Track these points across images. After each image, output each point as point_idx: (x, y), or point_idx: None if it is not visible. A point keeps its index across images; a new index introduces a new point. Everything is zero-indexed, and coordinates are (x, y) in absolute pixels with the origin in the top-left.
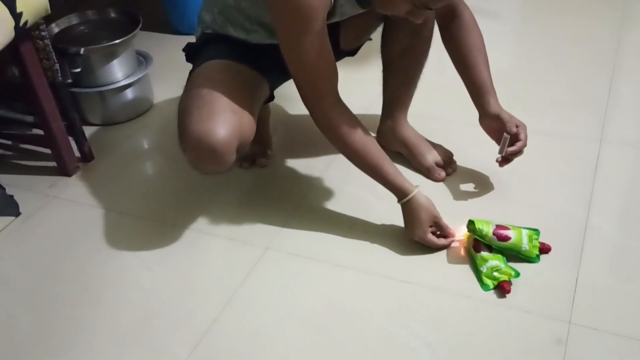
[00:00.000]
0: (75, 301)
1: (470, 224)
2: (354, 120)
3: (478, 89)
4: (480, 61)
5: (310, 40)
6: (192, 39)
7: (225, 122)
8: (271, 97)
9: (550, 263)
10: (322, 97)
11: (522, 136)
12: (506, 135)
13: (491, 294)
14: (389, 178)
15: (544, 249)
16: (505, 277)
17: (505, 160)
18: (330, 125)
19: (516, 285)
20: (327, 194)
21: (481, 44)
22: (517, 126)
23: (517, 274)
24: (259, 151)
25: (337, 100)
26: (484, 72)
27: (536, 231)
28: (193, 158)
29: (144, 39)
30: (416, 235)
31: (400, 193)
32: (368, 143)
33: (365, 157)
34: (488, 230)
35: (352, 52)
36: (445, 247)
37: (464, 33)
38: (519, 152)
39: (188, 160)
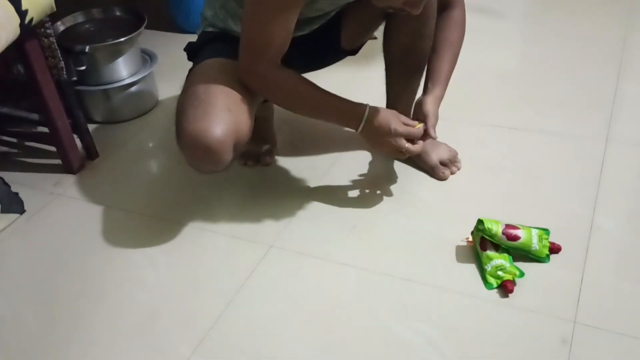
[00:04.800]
0: (79, 298)
1: (480, 223)
2: (293, 72)
3: (431, 75)
4: (446, 55)
5: (275, 6)
6: (194, 38)
7: (220, 120)
8: None
9: (555, 263)
10: (262, 61)
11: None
12: (421, 128)
13: (496, 294)
14: (342, 105)
15: (554, 249)
16: (509, 277)
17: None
18: (268, 79)
19: (521, 284)
20: (331, 192)
21: (457, 41)
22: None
23: (522, 274)
24: (263, 150)
25: (279, 64)
26: (444, 65)
27: (546, 231)
28: (189, 157)
29: (149, 38)
30: (399, 128)
31: (358, 112)
32: (306, 85)
33: (310, 98)
34: (497, 229)
35: (354, 52)
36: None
37: (446, 27)
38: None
39: (185, 160)
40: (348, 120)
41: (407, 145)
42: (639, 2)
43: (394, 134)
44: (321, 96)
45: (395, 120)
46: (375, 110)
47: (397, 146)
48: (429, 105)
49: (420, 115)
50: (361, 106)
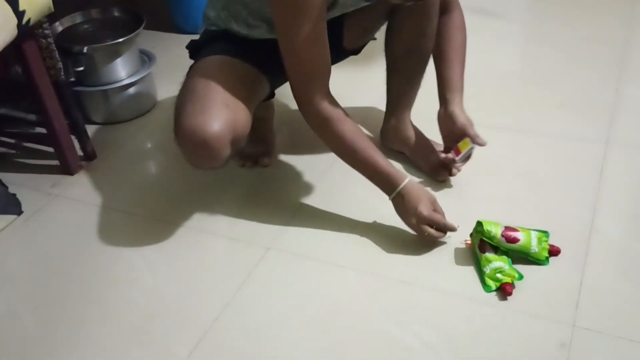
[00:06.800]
0: (77, 300)
1: (479, 225)
2: (344, 114)
3: (446, 84)
4: (457, 60)
5: (306, 28)
6: (196, 37)
7: (218, 116)
8: (271, 95)
9: (555, 265)
10: (313, 87)
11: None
12: (473, 145)
13: (494, 296)
14: (381, 169)
15: (554, 252)
16: (508, 279)
17: (443, 169)
18: (319, 116)
19: (520, 287)
20: (330, 194)
21: (463, 44)
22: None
23: (521, 277)
24: (262, 151)
25: (328, 93)
26: (456, 71)
27: (545, 233)
28: (187, 152)
29: (148, 38)
30: (424, 211)
31: (395, 181)
32: (358, 134)
33: (355, 148)
34: (497, 231)
35: (356, 51)
36: (449, 228)
37: (449, 30)
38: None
39: (183, 156)
40: (383, 185)
41: (429, 230)
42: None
43: (418, 216)
44: (368, 152)
45: (424, 204)
46: (411, 186)
47: (418, 229)
48: (461, 116)
49: (455, 129)
50: (400, 178)
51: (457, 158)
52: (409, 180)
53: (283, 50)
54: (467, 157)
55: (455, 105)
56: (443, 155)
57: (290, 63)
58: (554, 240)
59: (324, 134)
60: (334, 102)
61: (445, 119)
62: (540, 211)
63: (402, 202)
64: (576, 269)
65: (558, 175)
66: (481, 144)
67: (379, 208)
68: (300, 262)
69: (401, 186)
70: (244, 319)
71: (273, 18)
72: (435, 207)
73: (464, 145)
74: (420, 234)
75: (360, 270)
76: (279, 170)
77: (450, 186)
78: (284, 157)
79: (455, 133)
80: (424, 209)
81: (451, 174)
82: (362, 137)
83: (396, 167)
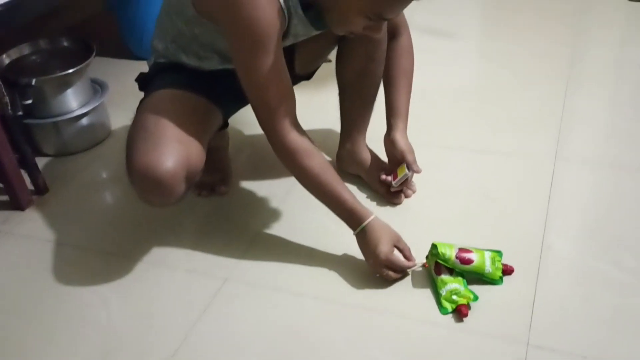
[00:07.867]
0: (30, 340)
1: (434, 248)
2: (312, 146)
3: (391, 110)
4: (402, 85)
5: (265, 60)
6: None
7: (171, 153)
8: (225, 124)
9: (508, 285)
10: (279, 119)
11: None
12: (408, 173)
13: (451, 318)
14: (347, 204)
15: (507, 271)
16: (463, 301)
17: (398, 192)
18: (287, 149)
19: (475, 308)
20: (287, 221)
21: (410, 69)
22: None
23: (476, 298)
24: (218, 179)
25: (295, 123)
26: (402, 97)
27: (499, 253)
28: (140, 191)
29: (100, 65)
30: (381, 254)
31: (359, 218)
32: (325, 169)
33: (323, 182)
34: (451, 254)
35: (308, 76)
36: (408, 268)
37: (397, 55)
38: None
39: (136, 194)
40: (348, 221)
41: (386, 272)
42: (585, 20)
43: (377, 256)
44: (335, 186)
45: (384, 243)
46: (374, 224)
47: (375, 269)
48: (401, 142)
49: (396, 154)
50: (365, 215)
51: (393, 182)
52: (374, 217)
53: (245, 85)
54: (404, 182)
55: (398, 131)
56: (382, 177)
57: (254, 97)
58: (507, 259)
59: (291, 167)
60: (302, 134)
61: (388, 143)
62: (493, 230)
63: (364, 239)
64: (529, 287)
65: (510, 193)
66: (417, 171)
67: (337, 235)
68: (258, 292)
69: (365, 223)
70: (202, 352)
71: (231, 54)
72: (399, 246)
73: (401, 171)
74: (378, 274)
75: (319, 298)
76: (236, 198)
77: (405, 208)
78: (241, 185)
79: (396, 158)
80: (383, 250)
81: (406, 196)
82: (329, 171)
83: (352, 190)
